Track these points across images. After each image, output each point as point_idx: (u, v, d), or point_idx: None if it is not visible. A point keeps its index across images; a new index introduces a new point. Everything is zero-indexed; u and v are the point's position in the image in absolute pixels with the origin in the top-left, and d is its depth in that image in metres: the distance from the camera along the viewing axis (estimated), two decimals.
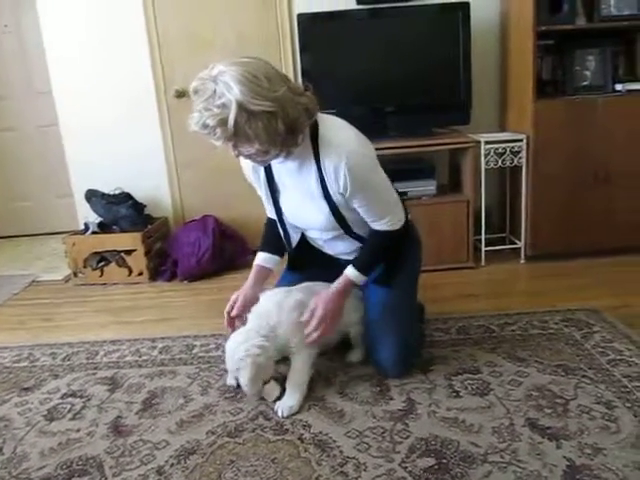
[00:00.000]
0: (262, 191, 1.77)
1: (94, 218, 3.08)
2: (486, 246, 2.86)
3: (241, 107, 1.33)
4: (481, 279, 2.70)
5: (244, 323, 1.72)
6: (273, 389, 1.68)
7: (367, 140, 1.59)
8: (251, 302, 1.76)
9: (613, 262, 2.71)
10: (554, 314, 2.16)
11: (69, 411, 1.72)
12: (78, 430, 1.61)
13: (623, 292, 2.36)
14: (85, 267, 3.01)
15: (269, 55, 1.48)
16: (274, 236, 1.83)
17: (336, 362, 1.87)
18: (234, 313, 1.77)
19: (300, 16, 2.78)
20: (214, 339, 2.16)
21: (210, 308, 2.55)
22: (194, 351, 2.08)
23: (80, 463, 1.46)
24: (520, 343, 1.94)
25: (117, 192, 3.11)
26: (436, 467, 1.34)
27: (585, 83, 2.77)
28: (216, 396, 1.74)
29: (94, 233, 3.04)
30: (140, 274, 3.00)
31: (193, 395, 1.76)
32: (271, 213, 1.81)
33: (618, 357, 1.80)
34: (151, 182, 3.25)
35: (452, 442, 1.43)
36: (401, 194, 1.78)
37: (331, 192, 1.58)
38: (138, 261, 2.98)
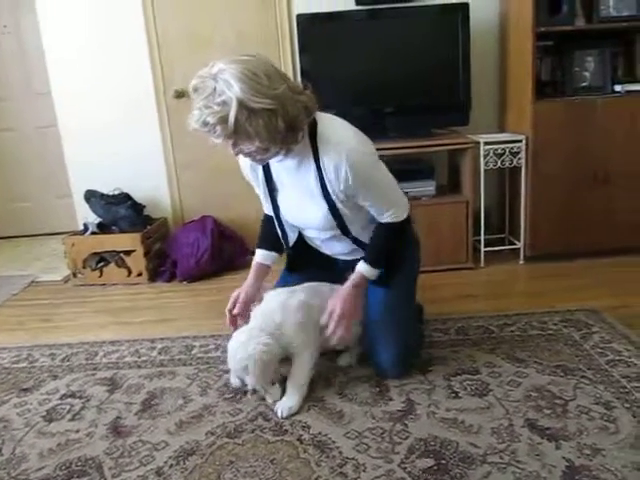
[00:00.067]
0: (260, 189, 1.77)
1: (93, 219, 3.08)
2: (485, 247, 2.86)
3: (241, 104, 1.33)
4: (480, 280, 2.71)
5: (246, 322, 1.73)
6: (274, 390, 1.68)
7: (365, 137, 1.59)
8: (252, 300, 1.77)
9: (612, 262, 2.71)
10: (553, 315, 2.16)
11: (68, 412, 1.72)
12: (77, 431, 1.61)
13: (622, 292, 2.36)
14: (84, 268, 3.01)
15: (268, 55, 1.48)
16: (272, 233, 1.83)
17: (335, 363, 1.87)
18: (236, 311, 1.76)
19: (299, 17, 2.78)
20: (213, 340, 2.16)
21: (209, 309, 2.55)
22: (193, 352, 2.08)
23: (79, 464, 1.46)
24: (519, 344, 1.95)
25: (116, 193, 3.11)
26: (435, 468, 1.34)
27: (584, 84, 2.77)
28: (215, 397, 1.74)
29: (93, 234, 3.04)
30: (139, 275, 2.99)
31: (192, 396, 1.76)
32: (269, 210, 1.81)
33: (617, 358, 1.80)
34: (150, 183, 3.25)
35: (451, 443, 1.43)
36: None
37: (330, 190, 1.58)
38: (137, 262, 2.98)
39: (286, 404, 1.61)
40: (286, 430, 1.54)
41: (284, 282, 1.88)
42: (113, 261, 2.99)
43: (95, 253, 2.99)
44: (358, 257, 1.75)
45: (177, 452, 1.47)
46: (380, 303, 1.77)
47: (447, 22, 2.75)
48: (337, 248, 1.81)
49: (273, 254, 1.85)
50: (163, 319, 2.48)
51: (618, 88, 2.70)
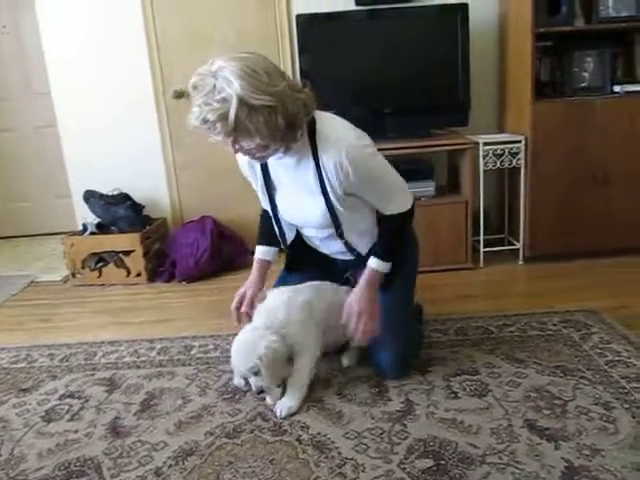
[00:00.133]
0: (258, 187, 1.77)
1: (92, 219, 3.08)
2: (484, 247, 2.86)
3: (242, 101, 1.33)
4: (479, 280, 2.70)
5: (249, 320, 1.72)
6: (274, 390, 1.67)
7: (364, 133, 1.60)
8: (257, 296, 1.78)
9: (611, 263, 2.71)
10: (552, 315, 2.16)
11: (67, 412, 1.72)
12: (76, 431, 1.61)
13: (621, 293, 2.36)
14: (83, 268, 3.00)
15: (268, 55, 1.48)
16: (270, 228, 1.83)
17: (335, 363, 1.87)
18: (244, 309, 1.77)
19: (299, 17, 2.78)
20: (212, 340, 2.16)
21: (208, 309, 2.55)
22: (192, 352, 2.08)
23: (78, 464, 1.45)
24: (518, 344, 1.95)
25: (115, 193, 3.11)
26: (434, 468, 1.34)
27: (583, 84, 2.77)
28: (214, 397, 1.74)
29: (92, 234, 3.04)
30: (138, 275, 2.99)
31: (191, 396, 1.76)
32: (266, 205, 1.81)
33: (616, 358, 1.80)
34: (150, 183, 3.25)
35: (450, 443, 1.43)
36: None
37: (329, 188, 1.58)
38: (136, 262, 2.97)
39: (286, 404, 1.61)
40: (285, 430, 1.53)
41: (283, 282, 1.88)
42: (112, 261, 2.99)
43: (94, 253, 2.99)
44: (357, 257, 1.75)
45: (176, 452, 1.47)
46: (379, 304, 1.76)
47: (446, 22, 2.75)
48: (335, 247, 1.80)
49: (273, 249, 1.86)
50: (162, 319, 2.48)
51: (617, 89, 2.70)
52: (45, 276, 3.20)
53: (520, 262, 2.86)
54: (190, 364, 1.98)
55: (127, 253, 2.97)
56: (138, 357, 2.07)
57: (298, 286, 1.77)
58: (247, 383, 1.65)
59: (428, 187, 2.79)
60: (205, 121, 1.37)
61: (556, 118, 2.65)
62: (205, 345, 2.13)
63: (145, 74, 3.12)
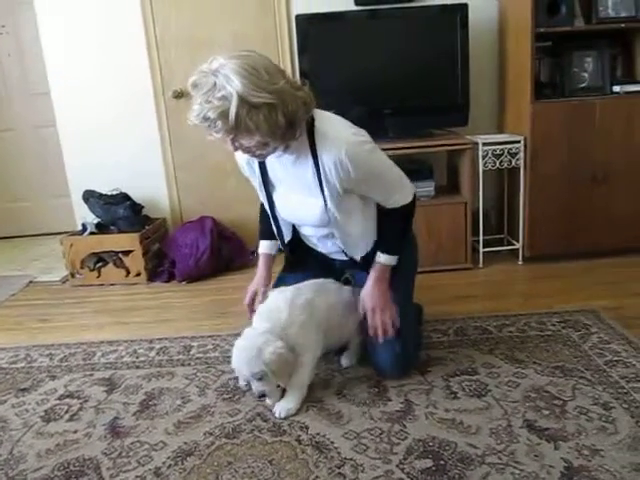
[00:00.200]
0: (256, 184, 1.77)
1: (92, 219, 3.07)
2: (484, 247, 2.86)
3: (242, 99, 1.33)
4: (479, 280, 2.70)
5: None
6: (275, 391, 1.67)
7: (363, 130, 1.60)
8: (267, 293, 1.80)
9: (610, 263, 2.72)
10: (552, 315, 2.16)
11: (66, 412, 1.72)
12: (75, 431, 1.61)
13: (620, 293, 2.36)
14: (82, 268, 3.00)
15: (268, 56, 1.49)
16: (270, 222, 1.84)
17: (334, 363, 1.87)
18: (257, 304, 1.78)
19: (298, 17, 2.78)
20: (212, 340, 2.16)
21: (208, 309, 2.55)
22: (192, 352, 2.08)
23: (77, 464, 1.45)
24: (518, 344, 1.95)
25: (115, 193, 3.11)
26: (434, 468, 1.34)
27: (583, 85, 2.77)
28: (214, 397, 1.74)
29: (92, 234, 3.03)
30: (138, 275, 2.99)
31: (191, 396, 1.75)
32: (264, 201, 1.81)
33: (615, 358, 1.80)
34: (149, 183, 3.25)
35: (450, 443, 1.43)
36: None
37: (327, 187, 1.58)
38: (136, 262, 2.97)
39: (285, 405, 1.61)
40: (284, 431, 1.53)
41: (282, 282, 1.88)
42: (111, 261, 2.99)
43: (93, 253, 2.99)
44: (355, 257, 1.75)
45: (175, 452, 1.47)
46: None
47: (446, 23, 2.75)
48: (333, 247, 1.81)
49: (275, 242, 1.88)
50: (161, 319, 2.47)
51: (617, 89, 2.70)
52: (44, 276, 3.19)
53: (519, 262, 2.86)
54: (189, 364, 1.98)
55: (126, 253, 2.97)
56: (137, 357, 2.07)
57: (300, 285, 1.76)
58: (248, 384, 1.65)
59: (428, 187, 2.78)
60: (205, 119, 1.37)
61: (555, 118, 2.65)
62: (204, 345, 2.13)
63: (144, 74, 3.12)
